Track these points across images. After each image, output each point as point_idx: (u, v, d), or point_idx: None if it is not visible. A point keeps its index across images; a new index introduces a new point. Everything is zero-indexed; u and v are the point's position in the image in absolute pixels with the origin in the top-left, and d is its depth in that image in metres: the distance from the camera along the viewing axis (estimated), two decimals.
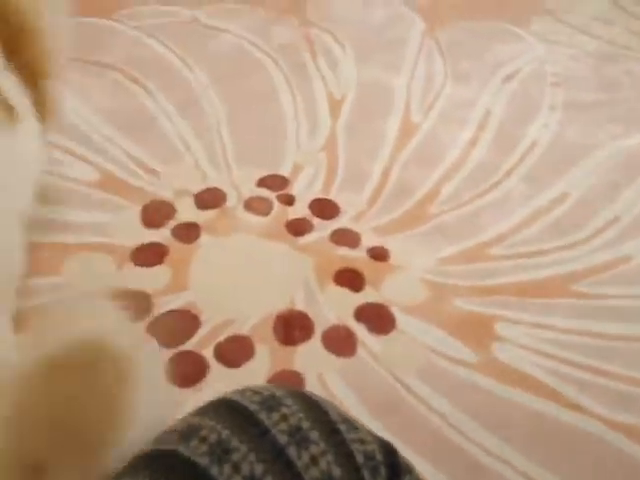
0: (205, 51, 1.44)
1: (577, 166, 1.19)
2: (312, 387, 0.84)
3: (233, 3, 1.62)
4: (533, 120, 1.29)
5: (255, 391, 0.51)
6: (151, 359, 0.57)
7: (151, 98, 1.28)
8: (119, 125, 1.21)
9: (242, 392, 0.52)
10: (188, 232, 1.02)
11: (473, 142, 1.22)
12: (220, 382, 0.83)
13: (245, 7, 1.60)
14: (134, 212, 1.04)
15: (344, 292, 0.95)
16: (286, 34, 1.51)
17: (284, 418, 0.48)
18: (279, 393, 0.51)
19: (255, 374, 0.85)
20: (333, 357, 0.88)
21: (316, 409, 0.51)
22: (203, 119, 1.25)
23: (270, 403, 0.50)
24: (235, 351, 0.87)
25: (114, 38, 1.46)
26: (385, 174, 1.15)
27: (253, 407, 0.49)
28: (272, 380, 0.84)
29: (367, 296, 0.95)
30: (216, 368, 0.85)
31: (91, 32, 1.48)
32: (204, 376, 0.84)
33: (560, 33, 1.57)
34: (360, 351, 0.89)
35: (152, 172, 1.12)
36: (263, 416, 0.48)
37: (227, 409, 0.50)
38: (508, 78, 1.40)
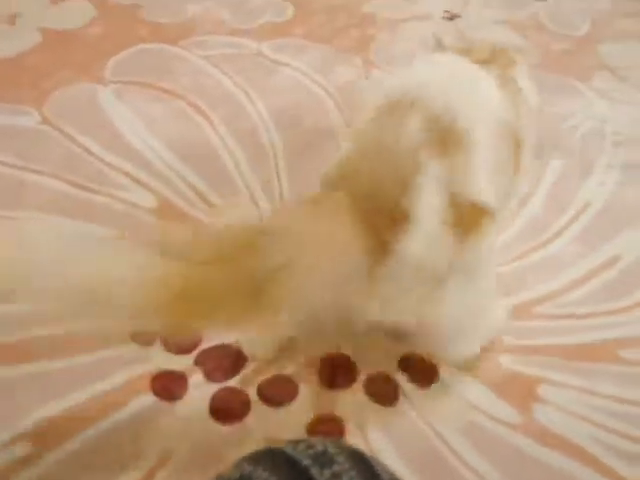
0: (267, 85, 1.47)
1: (631, 228, 1.18)
2: (352, 434, 0.85)
3: (300, 38, 1.66)
4: (590, 177, 1.28)
5: (309, 445, 0.53)
6: None
7: (213, 128, 1.32)
8: (180, 153, 1.24)
9: (295, 444, 0.53)
10: None
11: (525, 198, 1.22)
12: (262, 421, 0.85)
13: (310, 43, 1.63)
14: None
15: (390, 339, 0.96)
16: (348, 73, 1.54)
17: (336, 476, 0.49)
18: (332, 449, 0.52)
19: (296, 416, 0.86)
20: (375, 405, 0.89)
21: (368, 469, 0.52)
22: (261, 153, 1.27)
23: (323, 459, 0.51)
24: (278, 391, 0.88)
25: (180, 66, 1.50)
26: None
27: (306, 462, 0.50)
28: (313, 424, 0.85)
29: (412, 346, 0.95)
30: (258, 406, 0.86)
31: (159, 58, 1.53)
32: (246, 414, 0.85)
33: (621, 91, 1.56)
34: (402, 401, 0.89)
35: (209, 202, 1.14)
36: (315, 472, 0.50)
37: (281, 460, 0.51)
38: (568, 133, 1.40)
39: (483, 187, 0.76)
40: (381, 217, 0.72)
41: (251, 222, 0.83)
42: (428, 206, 0.72)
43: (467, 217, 0.75)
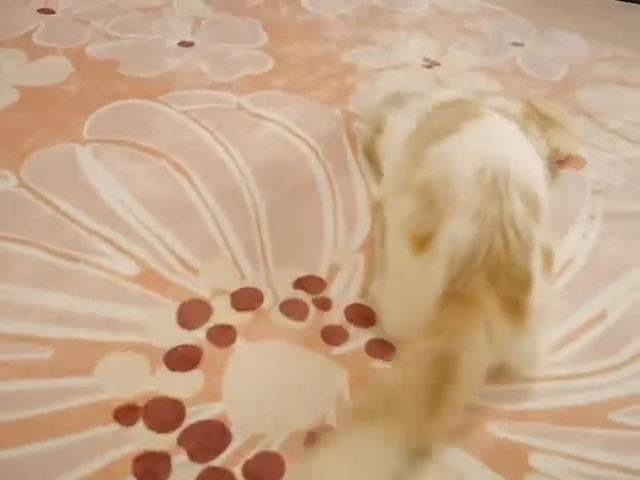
0: (248, 140, 1.47)
1: (615, 283, 1.17)
2: None
3: (279, 90, 1.66)
4: (573, 229, 1.28)
5: None
6: None
7: (193, 188, 1.31)
8: (161, 215, 1.23)
9: None
10: (223, 335, 1.02)
11: None
12: None
13: (290, 95, 1.64)
14: (171, 310, 1.05)
15: None
16: (329, 126, 1.54)
17: None
18: None
19: None
20: None
21: None
22: (243, 212, 1.26)
23: None
24: (265, 469, 0.85)
25: (160, 121, 1.50)
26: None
27: None
28: None
29: None
30: None
31: (138, 114, 1.52)
32: None
33: (599, 137, 1.58)
34: None
35: (191, 268, 1.13)
36: None
37: None
38: (547, 184, 1.40)
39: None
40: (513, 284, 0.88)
41: None
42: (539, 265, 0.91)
43: (549, 265, 0.95)
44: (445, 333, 0.84)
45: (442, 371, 0.81)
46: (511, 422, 0.94)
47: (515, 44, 2.01)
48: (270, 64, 1.78)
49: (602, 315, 1.12)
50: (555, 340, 1.06)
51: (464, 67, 1.85)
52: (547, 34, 2.10)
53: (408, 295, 0.96)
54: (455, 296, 0.87)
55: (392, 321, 1.02)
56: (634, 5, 2.38)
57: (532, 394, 0.98)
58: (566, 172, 1.40)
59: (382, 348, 1.02)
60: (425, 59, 1.87)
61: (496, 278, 0.86)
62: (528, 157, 1.01)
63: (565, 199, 1.36)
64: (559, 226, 1.29)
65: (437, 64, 1.85)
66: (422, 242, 0.91)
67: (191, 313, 1.05)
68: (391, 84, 1.72)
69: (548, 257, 0.94)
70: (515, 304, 0.88)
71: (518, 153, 0.99)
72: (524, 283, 0.88)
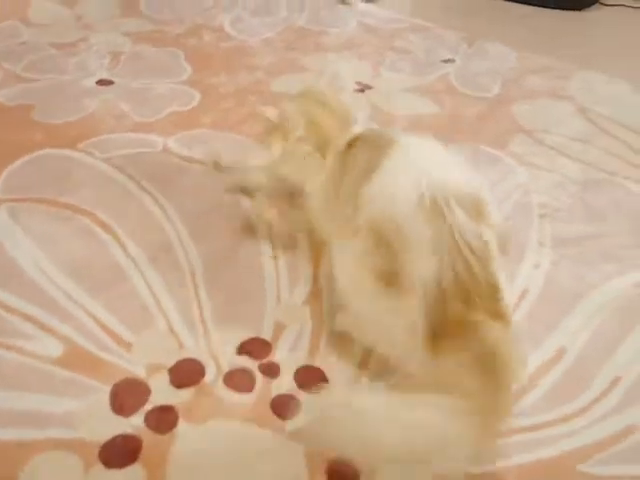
0: (176, 187, 1.38)
1: (571, 315, 1.13)
2: None
3: (208, 128, 1.57)
4: (523, 259, 1.24)
5: None
6: None
7: (121, 247, 1.21)
8: (88, 283, 1.13)
9: None
10: (163, 418, 0.93)
11: None
12: None
13: (219, 133, 1.55)
14: (103, 395, 0.95)
15: None
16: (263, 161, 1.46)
17: None
18: None
19: None
20: None
21: None
22: (177, 270, 1.17)
23: None
24: None
25: (81, 173, 1.39)
26: None
27: None
28: None
29: None
30: None
31: (57, 166, 1.42)
32: None
33: (540, 155, 1.55)
34: None
35: (123, 343, 1.03)
36: None
37: None
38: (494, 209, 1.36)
39: None
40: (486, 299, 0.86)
41: None
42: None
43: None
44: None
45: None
46: None
47: (446, 61, 1.97)
48: (196, 99, 1.70)
49: (561, 353, 1.07)
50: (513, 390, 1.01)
51: (397, 89, 1.80)
52: (477, 48, 2.07)
53: (384, 327, 0.94)
54: (443, 331, 0.87)
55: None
56: (560, 12, 2.39)
57: (499, 452, 0.93)
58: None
59: None
60: (357, 82, 1.81)
61: (470, 301, 0.86)
62: (454, 166, 1.00)
63: (514, 226, 1.32)
64: (510, 257, 1.24)
65: (369, 87, 1.80)
66: (387, 277, 0.90)
67: (126, 396, 0.96)
68: None
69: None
70: (495, 313, 0.87)
71: (444, 166, 0.99)
72: (494, 293, 0.87)
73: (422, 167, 0.95)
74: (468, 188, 0.93)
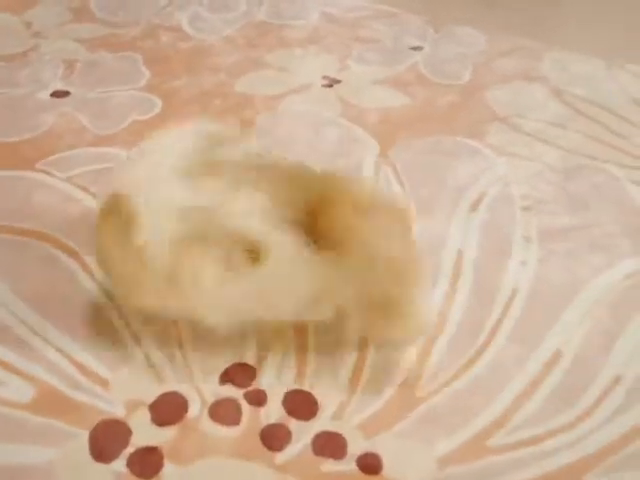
0: None
1: (564, 314, 1.10)
2: None
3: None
4: (510, 256, 1.20)
5: None
6: None
7: (88, 274, 1.14)
8: (55, 316, 1.06)
9: None
10: (147, 461, 0.87)
11: (450, 297, 1.12)
12: None
13: None
14: (81, 441, 0.89)
15: None
16: None
17: None
18: None
19: None
20: None
21: None
22: None
23: None
24: None
25: (42, 196, 1.32)
26: (361, 349, 1.03)
27: None
28: None
29: None
30: None
31: (14, 189, 1.34)
32: None
33: (517, 143, 1.51)
34: None
35: (99, 379, 0.97)
36: None
37: None
38: (474, 206, 1.31)
39: None
40: None
41: None
42: None
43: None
44: None
45: None
46: None
47: (414, 48, 1.92)
48: (158, 105, 1.62)
49: (558, 355, 1.03)
50: (511, 398, 0.97)
51: (366, 81, 1.74)
52: (444, 33, 2.02)
53: None
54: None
55: None
56: None
57: (496, 469, 0.89)
58: None
59: (330, 444, 0.90)
60: (324, 77, 1.75)
61: None
62: None
63: (495, 223, 1.27)
64: (496, 254, 1.20)
65: (337, 81, 1.74)
66: None
67: (106, 440, 0.90)
68: (293, 112, 1.59)
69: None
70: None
71: None
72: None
73: None
74: None
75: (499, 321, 1.08)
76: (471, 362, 1.02)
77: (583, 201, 1.34)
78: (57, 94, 1.66)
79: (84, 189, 1.33)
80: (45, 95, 1.65)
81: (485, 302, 1.11)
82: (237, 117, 1.57)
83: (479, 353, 1.03)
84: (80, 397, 0.95)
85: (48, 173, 1.38)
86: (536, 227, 1.27)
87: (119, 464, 0.87)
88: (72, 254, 1.18)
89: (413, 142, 1.50)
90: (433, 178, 1.39)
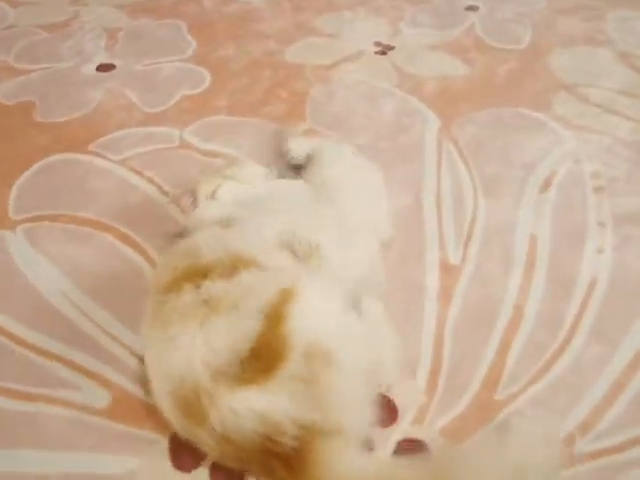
0: None
1: None
2: None
3: (225, 114, 1.45)
4: (584, 244, 1.15)
5: None
6: None
7: (150, 265, 1.12)
8: (124, 315, 1.04)
9: None
10: (231, 471, 0.86)
11: (525, 288, 1.08)
12: None
13: (239, 118, 1.44)
14: (161, 448, 0.88)
15: None
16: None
17: None
18: None
19: None
20: None
21: None
22: None
23: None
24: None
25: (97, 181, 1.29)
26: (437, 350, 1.00)
27: None
28: None
29: None
30: None
31: (69, 174, 1.31)
32: None
33: (586, 115, 1.43)
34: None
35: None
36: None
37: None
38: (545, 187, 1.26)
39: None
40: None
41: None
42: None
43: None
44: None
45: None
46: None
47: (469, 8, 1.82)
48: (207, 79, 1.57)
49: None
50: (598, 399, 0.94)
51: (421, 47, 1.66)
52: None
53: None
54: None
55: None
56: None
57: (590, 478, 0.86)
58: None
59: (413, 449, 0.88)
60: (377, 43, 1.68)
61: None
62: None
63: (568, 205, 1.22)
64: (571, 241, 1.15)
65: (391, 48, 1.66)
66: None
67: (186, 447, 0.88)
68: (347, 82, 1.53)
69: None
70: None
71: None
72: None
73: None
74: None
75: (578, 316, 1.04)
76: (551, 360, 0.98)
77: None
78: (103, 67, 1.61)
79: (139, 173, 1.30)
80: (91, 69, 1.60)
81: (562, 294, 1.07)
82: (289, 91, 1.51)
83: (558, 352, 0.99)
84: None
85: (101, 156, 1.34)
86: (610, 210, 1.21)
87: (202, 472, 0.86)
88: (131, 243, 1.15)
89: (474, 115, 1.44)
90: (498, 155, 1.33)
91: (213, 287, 0.85)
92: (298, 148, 1.18)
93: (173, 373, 0.80)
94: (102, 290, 1.08)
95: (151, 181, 1.28)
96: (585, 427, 0.90)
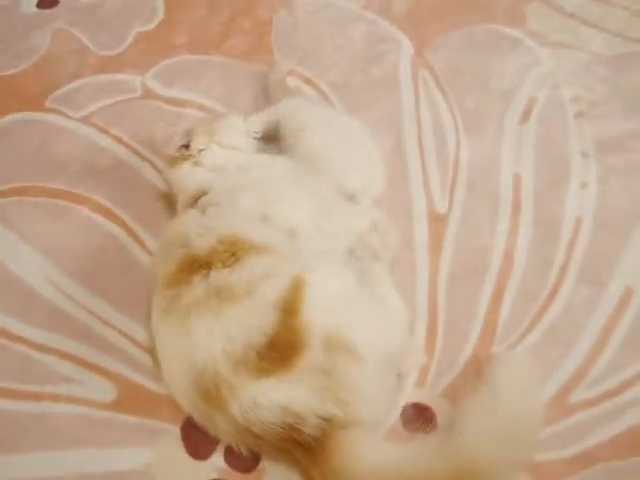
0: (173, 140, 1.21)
1: (633, 244, 1.06)
2: None
3: (186, 53, 1.37)
4: (569, 180, 1.14)
5: None
6: None
7: (136, 242, 1.08)
8: (107, 292, 1.02)
9: None
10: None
11: (513, 233, 1.08)
12: None
13: (201, 57, 1.35)
14: (174, 437, 0.90)
15: None
16: (259, 92, 1.29)
17: None
18: None
19: None
20: None
21: None
22: None
23: None
24: None
25: (60, 144, 1.21)
26: (432, 303, 1.01)
27: None
28: None
29: None
30: None
31: (30, 137, 1.23)
32: None
33: (561, 29, 1.38)
34: None
35: None
36: None
37: None
38: (524, 117, 1.23)
39: None
40: None
41: None
42: None
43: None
44: None
45: None
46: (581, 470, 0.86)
47: None
48: (159, 9, 1.45)
49: (629, 293, 1.01)
50: (591, 343, 0.97)
51: None
52: None
53: None
54: None
55: None
56: None
57: (586, 428, 0.89)
58: None
59: (420, 414, 0.92)
60: None
61: None
62: None
63: (549, 136, 1.20)
64: (554, 176, 1.14)
65: None
66: None
67: (200, 435, 0.89)
68: (312, 9, 1.43)
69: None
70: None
71: None
72: None
73: None
74: None
75: (566, 259, 1.05)
76: (543, 308, 1.00)
77: (637, 100, 1.25)
78: (44, 4, 1.47)
79: (104, 131, 1.23)
80: (31, 7, 1.46)
81: (549, 237, 1.08)
82: (252, 21, 1.41)
83: (549, 299, 1.01)
84: (161, 389, 0.93)
85: (61, 113, 1.26)
86: (591, 137, 1.19)
87: (218, 460, 0.88)
88: (113, 218, 1.11)
89: (448, 36, 1.37)
90: (476, 82, 1.29)
91: (220, 277, 0.84)
92: (256, 124, 1.10)
93: (192, 365, 0.81)
94: (89, 273, 1.05)
95: (119, 140, 1.21)
96: (580, 375, 0.94)
